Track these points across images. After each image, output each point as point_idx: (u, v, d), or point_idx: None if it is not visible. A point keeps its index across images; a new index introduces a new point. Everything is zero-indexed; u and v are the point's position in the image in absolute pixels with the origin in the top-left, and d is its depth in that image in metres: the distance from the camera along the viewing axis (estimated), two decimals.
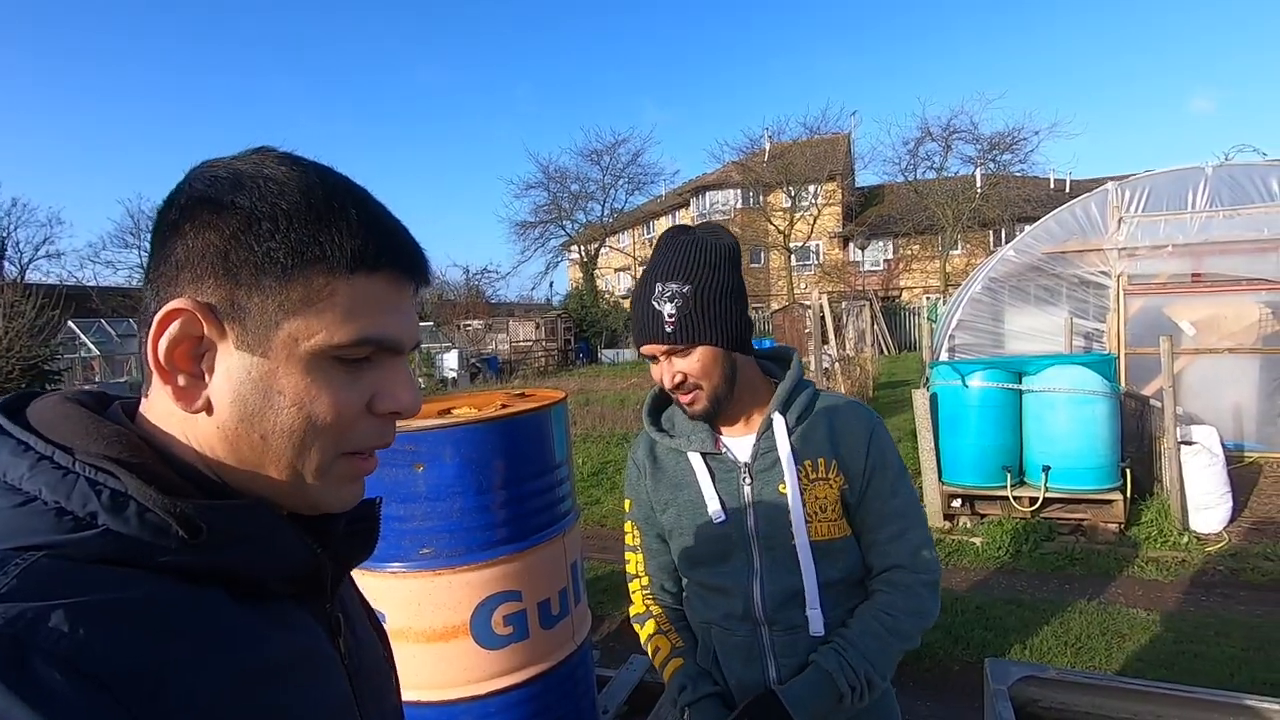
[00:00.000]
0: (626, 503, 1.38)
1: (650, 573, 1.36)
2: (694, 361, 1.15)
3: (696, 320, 1.13)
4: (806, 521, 1.17)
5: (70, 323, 15.96)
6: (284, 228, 0.47)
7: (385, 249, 0.50)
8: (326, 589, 0.55)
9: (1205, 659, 3.33)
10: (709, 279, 1.14)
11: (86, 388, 0.54)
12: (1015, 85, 67.07)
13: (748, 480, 1.20)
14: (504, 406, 2.02)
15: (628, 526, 1.38)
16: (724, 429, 1.26)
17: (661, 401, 1.36)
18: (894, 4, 68.65)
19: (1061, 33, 70.40)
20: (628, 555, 1.39)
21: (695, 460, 1.23)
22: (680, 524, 1.25)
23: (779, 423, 1.21)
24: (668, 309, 1.13)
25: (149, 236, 0.52)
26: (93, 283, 26.69)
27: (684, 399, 1.18)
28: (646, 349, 1.17)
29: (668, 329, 1.13)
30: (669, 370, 1.16)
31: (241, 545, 0.47)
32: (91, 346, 16.54)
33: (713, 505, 1.20)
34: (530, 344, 24.66)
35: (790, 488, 1.17)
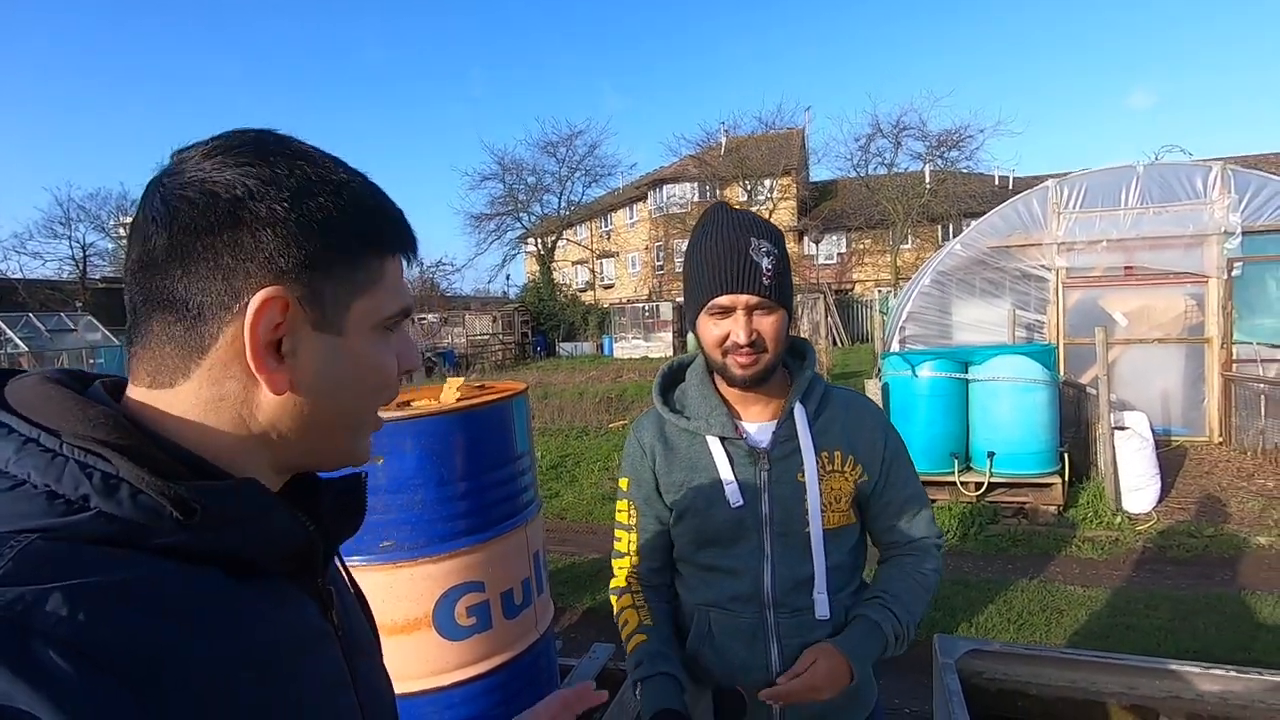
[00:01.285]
0: (623, 481, 1.34)
1: (640, 552, 1.32)
2: (773, 323, 1.13)
3: (784, 283, 1.14)
4: (821, 511, 1.19)
5: None
6: (349, 217, 0.52)
7: (407, 232, 0.58)
8: (318, 564, 0.56)
9: (1136, 630, 3.54)
10: (784, 252, 1.17)
11: (62, 367, 0.54)
12: (962, 84, 69.05)
13: (766, 467, 1.20)
14: (464, 398, 2.01)
15: (623, 505, 1.34)
16: (743, 413, 1.24)
17: (671, 380, 1.34)
18: (846, 2, 69.86)
19: (1006, 32, 72.73)
20: (619, 533, 1.35)
21: (713, 444, 1.22)
22: (694, 506, 1.23)
23: (800, 412, 1.21)
24: (765, 263, 1.10)
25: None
26: (18, 275, 25.29)
27: (744, 359, 1.14)
28: (730, 299, 1.12)
29: (765, 281, 1.11)
30: (746, 326, 1.12)
31: (237, 525, 0.47)
32: (19, 342, 15.67)
33: (731, 490, 1.19)
34: (487, 337, 24.40)
35: (809, 477, 1.18)
